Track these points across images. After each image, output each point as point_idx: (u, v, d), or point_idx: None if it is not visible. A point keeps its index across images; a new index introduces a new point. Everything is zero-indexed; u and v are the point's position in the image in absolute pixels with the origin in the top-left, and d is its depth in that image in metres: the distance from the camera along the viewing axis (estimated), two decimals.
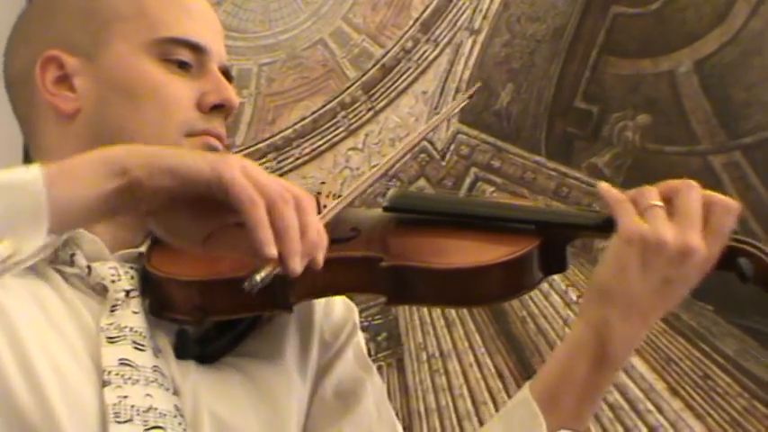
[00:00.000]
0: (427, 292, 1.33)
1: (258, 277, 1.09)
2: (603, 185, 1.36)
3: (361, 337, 1.50)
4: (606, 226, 1.33)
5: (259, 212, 1.08)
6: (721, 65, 2.50)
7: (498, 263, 1.31)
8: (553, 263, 1.36)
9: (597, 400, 1.37)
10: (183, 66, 1.38)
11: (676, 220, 1.29)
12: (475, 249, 1.34)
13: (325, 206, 1.35)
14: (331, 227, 1.26)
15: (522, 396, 1.34)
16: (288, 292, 1.30)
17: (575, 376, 1.32)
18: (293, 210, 1.11)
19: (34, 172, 1.09)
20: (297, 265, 1.10)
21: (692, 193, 1.31)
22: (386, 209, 1.40)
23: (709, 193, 1.33)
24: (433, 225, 1.38)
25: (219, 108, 1.39)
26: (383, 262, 1.30)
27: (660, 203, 1.30)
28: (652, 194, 1.31)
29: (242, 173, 1.10)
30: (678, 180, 1.33)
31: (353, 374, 1.45)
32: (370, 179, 1.38)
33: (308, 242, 1.11)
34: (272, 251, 1.08)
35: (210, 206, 1.13)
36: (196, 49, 1.39)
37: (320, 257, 1.13)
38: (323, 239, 1.14)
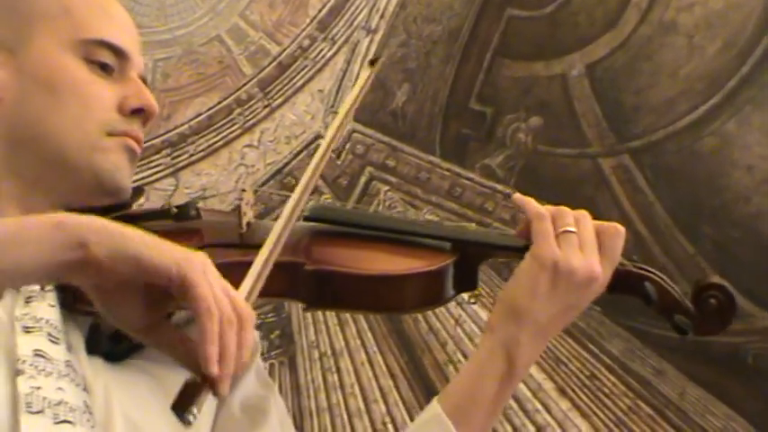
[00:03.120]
0: (345, 297, 1.35)
1: (196, 410, 1.09)
2: (519, 196, 1.41)
3: (259, 358, 1.52)
4: (521, 249, 1.38)
5: (214, 327, 1.07)
6: (612, 69, 2.55)
7: (417, 273, 1.34)
8: (465, 280, 1.40)
9: (500, 411, 1.42)
10: (105, 68, 1.38)
11: (580, 248, 1.36)
12: (394, 260, 1.37)
13: (245, 213, 1.37)
14: (258, 236, 1.28)
15: (433, 412, 1.37)
16: None
17: (485, 392, 1.37)
18: (235, 332, 1.09)
19: None
20: (226, 389, 1.09)
21: (589, 222, 1.38)
22: (307, 218, 1.42)
23: (598, 222, 1.39)
24: (352, 237, 1.41)
25: (139, 113, 1.39)
26: (306, 266, 1.32)
27: (575, 229, 1.36)
28: (569, 219, 1.37)
29: (204, 279, 1.08)
30: (575, 210, 1.38)
31: (258, 392, 1.45)
32: (303, 194, 1.37)
33: (239, 361, 1.10)
34: (215, 371, 1.07)
35: (156, 294, 1.10)
36: (119, 53, 1.39)
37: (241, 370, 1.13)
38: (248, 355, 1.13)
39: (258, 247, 1.30)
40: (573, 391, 2.46)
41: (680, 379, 2.40)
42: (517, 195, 1.41)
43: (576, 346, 2.48)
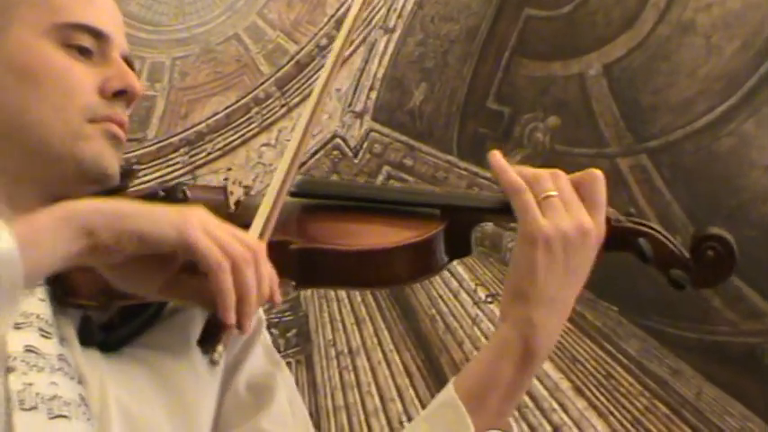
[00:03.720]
0: (335, 273, 1.34)
1: (221, 349, 1.16)
2: (495, 160, 1.36)
3: (266, 333, 1.50)
4: (510, 209, 1.35)
5: (226, 279, 1.13)
6: (630, 69, 2.55)
7: (405, 245, 1.33)
8: (458, 247, 1.38)
9: (520, 397, 1.39)
10: (84, 52, 1.36)
11: (565, 207, 1.32)
12: (382, 232, 1.35)
13: (232, 193, 1.37)
14: (248, 214, 1.28)
15: (447, 396, 1.34)
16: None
17: (501, 376, 1.33)
18: (253, 269, 1.15)
19: (6, 241, 1.08)
20: (249, 327, 1.16)
21: (564, 178, 1.34)
22: (293, 194, 1.41)
23: (572, 175, 1.36)
24: (340, 210, 1.40)
25: (122, 94, 1.36)
26: (292, 245, 1.31)
27: (556, 193, 1.32)
28: (547, 182, 1.33)
29: (205, 234, 1.13)
30: (547, 169, 1.36)
31: (264, 369, 1.44)
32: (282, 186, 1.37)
33: (262, 295, 1.16)
34: (233, 319, 1.14)
35: (165, 255, 1.16)
36: (98, 35, 1.35)
37: (278, 298, 1.19)
38: (275, 283, 1.19)
39: (248, 226, 1.30)
40: (589, 390, 2.46)
41: (696, 379, 2.39)
42: (494, 157, 1.36)
43: (592, 345, 2.47)
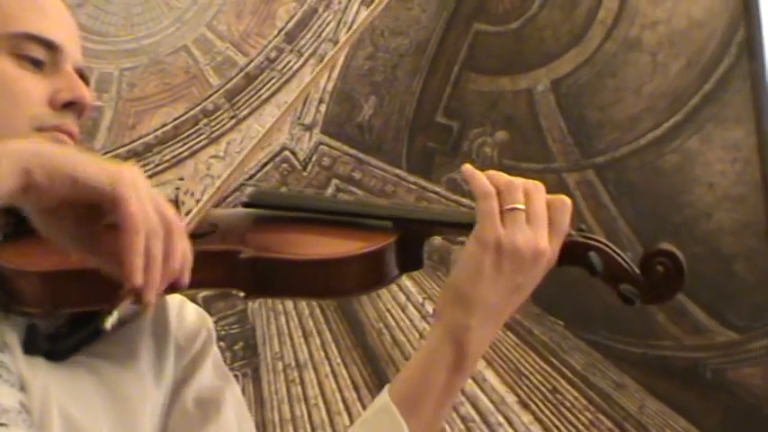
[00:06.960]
0: (285, 283, 1.33)
1: (117, 314, 1.14)
2: (467, 168, 1.37)
3: (216, 348, 1.49)
4: (464, 224, 1.36)
5: (138, 240, 1.12)
6: (577, 85, 2.57)
7: (355, 255, 1.33)
8: (410, 260, 1.38)
9: (454, 399, 1.40)
10: (35, 63, 1.35)
11: (529, 224, 1.32)
12: (333, 243, 1.35)
13: (183, 203, 1.35)
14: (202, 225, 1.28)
15: (382, 402, 1.35)
16: None
17: (434, 381, 1.34)
18: (161, 242, 1.14)
19: None
20: (151, 299, 1.14)
21: (541, 195, 1.35)
22: (245, 204, 1.42)
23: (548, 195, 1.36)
24: (291, 221, 1.40)
25: (72, 106, 1.36)
26: (242, 254, 1.31)
27: (523, 206, 1.32)
28: (518, 194, 1.33)
29: (135, 194, 1.12)
30: (528, 181, 1.36)
31: (213, 384, 1.43)
32: (226, 184, 1.37)
33: (170, 270, 1.15)
34: (138, 280, 1.12)
35: (92, 207, 1.15)
36: (50, 46, 1.36)
37: (185, 279, 1.18)
38: (186, 262, 1.17)
39: (201, 235, 1.30)
40: (535, 404, 2.47)
41: (640, 392, 2.41)
42: (466, 167, 1.37)
43: (538, 359, 2.49)
